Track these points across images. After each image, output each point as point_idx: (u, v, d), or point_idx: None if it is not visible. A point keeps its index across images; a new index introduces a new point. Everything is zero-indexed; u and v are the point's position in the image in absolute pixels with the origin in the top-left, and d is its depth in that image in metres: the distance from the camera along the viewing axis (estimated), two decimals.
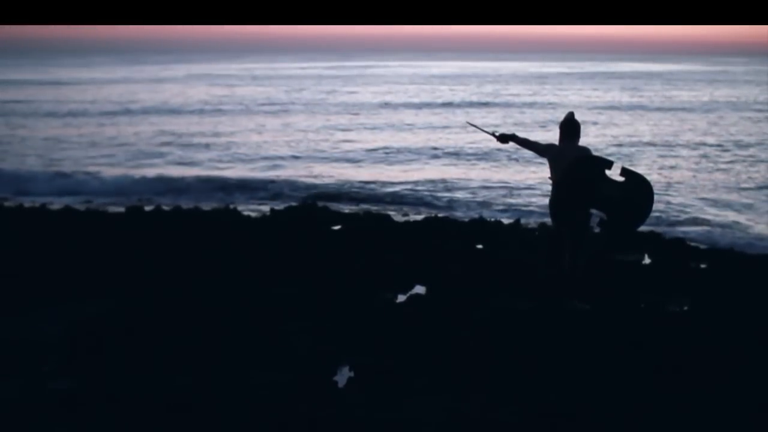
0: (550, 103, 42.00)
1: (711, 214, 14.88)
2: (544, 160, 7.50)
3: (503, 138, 7.36)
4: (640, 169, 17.68)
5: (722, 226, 13.74)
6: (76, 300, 7.69)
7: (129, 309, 7.30)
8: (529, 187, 17.50)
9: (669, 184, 17.76)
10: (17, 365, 6.03)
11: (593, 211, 7.35)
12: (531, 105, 41.20)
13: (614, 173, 7.12)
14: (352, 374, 5.81)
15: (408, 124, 30.52)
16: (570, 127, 7.22)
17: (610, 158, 7.31)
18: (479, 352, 6.16)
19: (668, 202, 15.36)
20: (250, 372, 5.75)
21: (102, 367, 5.95)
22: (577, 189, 7.03)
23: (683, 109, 38.21)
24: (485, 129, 7.91)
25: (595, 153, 7.49)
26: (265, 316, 7.12)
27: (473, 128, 8.32)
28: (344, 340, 6.49)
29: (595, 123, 32.35)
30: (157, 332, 6.65)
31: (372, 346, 6.38)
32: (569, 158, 7.06)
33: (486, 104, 41.77)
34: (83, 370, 5.92)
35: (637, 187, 7.11)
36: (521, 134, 7.51)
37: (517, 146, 7.41)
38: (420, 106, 40.30)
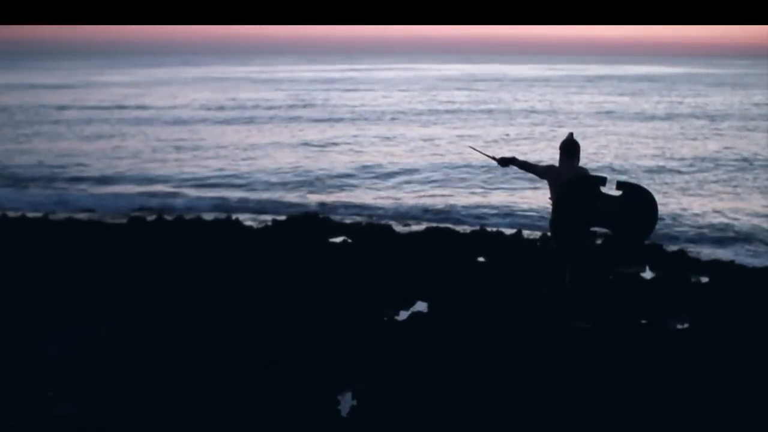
0: (555, 111, 41.68)
1: (713, 224, 14.89)
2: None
3: (504, 161, 7.46)
4: (642, 180, 17.84)
5: (724, 236, 13.77)
6: (80, 319, 7.67)
7: (133, 330, 7.30)
8: (530, 197, 17.50)
9: (671, 194, 17.77)
10: (20, 390, 5.98)
11: (596, 228, 7.39)
12: (537, 113, 40.95)
13: (611, 188, 7.13)
14: (355, 402, 5.83)
15: (411, 135, 30.05)
16: (569, 147, 7.29)
17: (603, 174, 7.34)
18: (482, 378, 6.18)
19: (669, 213, 15.35)
20: (254, 401, 5.76)
21: (108, 392, 5.94)
22: (574, 209, 7.07)
23: (683, 116, 38.06)
24: (486, 153, 8.03)
25: (592, 169, 7.53)
26: (267, 338, 7.13)
27: (475, 151, 8.41)
28: (347, 365, 6.50)
29: (597, 128, 32.39)
30: (160, 357, 6.64)
31: (375, 370, 6.39)
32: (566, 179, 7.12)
33: (489, 111, 41.57)
34: (88, 395, 5.91)
35: (637, 199, 7.12)
36: (521, 156, 7.60)
37: (518, 169, 7.47)
38: (422, 113, 40.10)
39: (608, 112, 39.32)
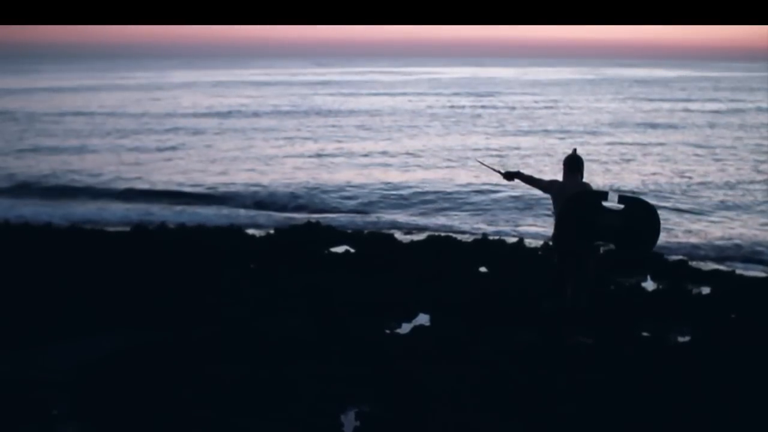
0: (557, 122, 41.35)
1: (713, 233, 14.93)
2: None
3: (509, 175, 7.56)
4: (643, 193, 17.76)
5: (725, 246, 13.79)
6: (83, 334, 7.66)
7: (136, 346, 7.29)
8: (531, 202, 17.49)
9: (671, 206, 17.75)
10: (24, 408, 5.96)
11: (599, 243, 7.44)
12: (537, 122, 40.69)
13: (613, 202, 7.17)
14: (358, 423, 5.85)
15: (414, 145, 28.96)
16: (572, 162, 7.39)
17: (605, 188, 7.42)
18: (484, 397, 6.19)
19: (670, 225, 15.33)
20: (256, 422, 5.76)
21: (112, 411, 5.94)
22: (576, 224, 7.12)
23: (682, 123, 37.74)
24: (492, 167, 8.14)
25: (594, 183, 7.60)
26: (270, 354, 7.13)
27: (481, 164, 8.57)
28: (349, 383, 6.50)
29: (595, 135, 32.28)
30: (162, 374, 6.62)
31: (377, 389, 6.41)
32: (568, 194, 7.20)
33: (490, 119, 41.37)
34: (93, 414, 5.91)
35: (639, 213, 7.17)
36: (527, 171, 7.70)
37: (523, 183, 7.56)
38: (424, 119, 39.86)
39: (609, 123, 38.50)
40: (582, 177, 7.40)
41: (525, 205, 17.35)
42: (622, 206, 7.18)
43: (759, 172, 22.70)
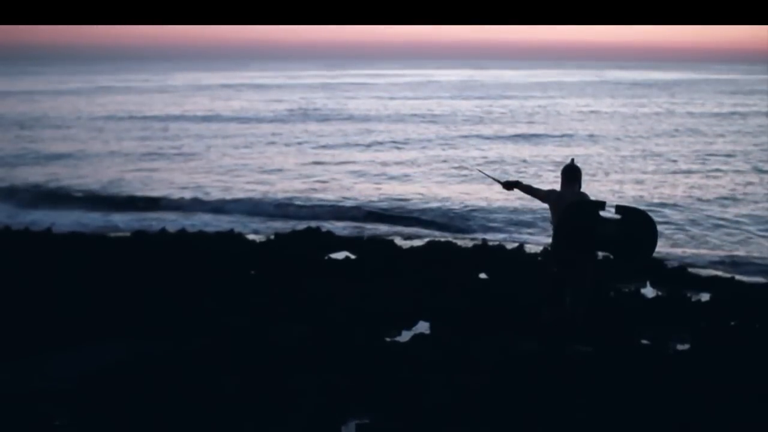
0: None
1: (713, 239, 14.94)
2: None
3: (508, 185, 7.60)
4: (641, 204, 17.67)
5: (725, 252, 13.81)
6: (85, 342, 7.68)
7: (137, 356, 7.30)
8: (531, 210, 17.52)
9: (671, 207, 17.77)
10: (26, 419, 5.97)
11: (596, 252, 7.47)
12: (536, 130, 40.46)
13: (610, 211, 7.20)
14: None
15: (415, 154, 28.34)
16: (570, 172, 7.41)
17: (602, 199, 7.44)
18: (485, 408, 6.20)
19: (668, 233, 15.33)
20: None
21: (114, 422, 5.94)
22: (573, 233, 7.14)
23: (680, 130, 37.52)
24: (492, 176, 8.19)
25: (592, 194, 7.62)
26: (270, 363, 7.14)
27: (481, 173, 8.65)
28: (350, 394, 6.51)
29: (595, 144, 32.16)
30: (163, 385, 6.62)
31: (378, 400, 6.42)
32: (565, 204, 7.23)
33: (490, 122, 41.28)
34: (96, 424, 5.92)
35: (636, 223, 7.19)
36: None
37: (522, 192, 7.59)
38: (431, 123, 39.79)
39: (610, 128, 37.90)
40: (580, 187, 7.42)
41: (524, 213, 17.37)
42: (619, 216, 7.20)
43: (760, 177, 22.68)
